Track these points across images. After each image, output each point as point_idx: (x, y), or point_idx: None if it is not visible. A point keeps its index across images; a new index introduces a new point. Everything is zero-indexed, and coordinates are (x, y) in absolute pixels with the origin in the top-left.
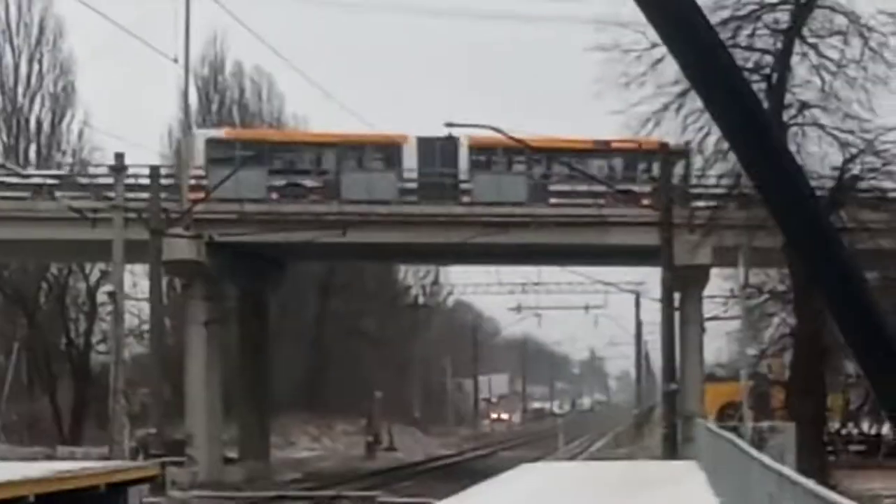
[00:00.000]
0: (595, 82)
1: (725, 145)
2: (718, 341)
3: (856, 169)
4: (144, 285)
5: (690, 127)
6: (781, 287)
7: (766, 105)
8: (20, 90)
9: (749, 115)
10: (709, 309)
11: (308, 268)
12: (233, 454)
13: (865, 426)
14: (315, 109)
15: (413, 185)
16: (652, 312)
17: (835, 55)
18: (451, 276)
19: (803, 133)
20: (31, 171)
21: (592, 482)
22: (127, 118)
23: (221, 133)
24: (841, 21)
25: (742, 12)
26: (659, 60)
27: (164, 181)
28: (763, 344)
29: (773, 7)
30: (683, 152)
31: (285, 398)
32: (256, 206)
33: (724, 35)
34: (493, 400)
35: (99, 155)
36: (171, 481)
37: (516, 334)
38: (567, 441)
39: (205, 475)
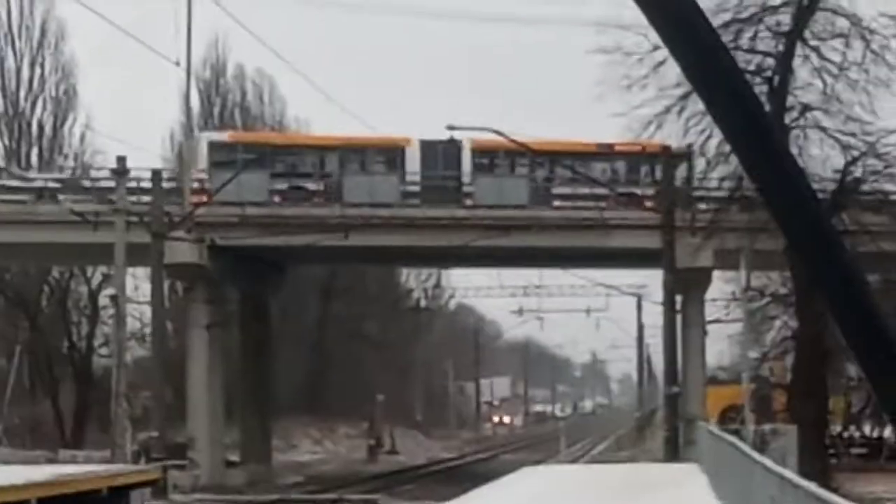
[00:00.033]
0: (597, 85)
1: (727, 148)
2: (720, 344)
3: (857, 171)
4: (146, 289)
5: (692, 130)
6: (783, 290)
7: (767, 108)
8: (22, 93)
9: (751, 117)
10: (710, 312)
11: (309, 271)
12: (234, 457)
13: (867, 429)
14: (316, 112)
15: (416, 188)
16: (654, 315)
17: (836, 58)
18: (452, 279)
19: (805, 136)
20: (33, 174)
21: (594, 485)
22: (128, 121)
23: (225, 136)
24: (843, 24)
25: (744, 15)
26: (661, 63)
27: (165, 184)
28: (765, 347)
29: (774, 10)
30: (686, 155)
31: (287, 401)
32: (258, 210)
33: (726, 37)
34: (495, 403)
35: (101, 158)
36: (172, 485)
37: (518, 337)
38: (569, 444)
39: (206, 478)
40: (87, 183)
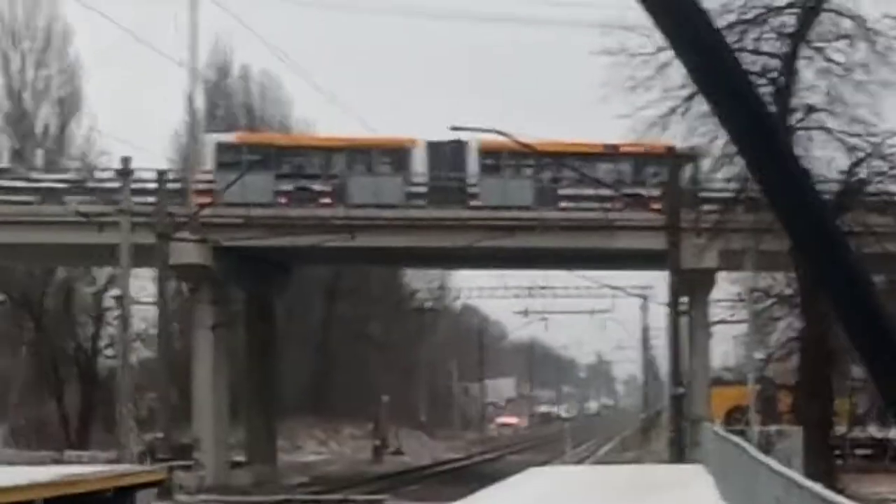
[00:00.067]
0: (601, 86)
1: (732, 149)
2: (725, 345)
3: (862, 173)
4: (151, 289)
5: (697, 131)
6: (788, 291)
7: (772, 109)
8: (27, 94)
9: (755, 118)
10: (715, 313)
11: (314, 272)
12: (240, 458)
13: (872, 430)
14: (319, 113)
15: (421, 189)
16: (659, 316)
17: (841, 59)
18: (457, 279)
19: (810, 137)
20: (38, 175)
21: (600, 486)
22: (132, 122)
23: (232, 137)
24: (847, 25)
25: (748, 16)
26: (665, 64)
27: (170, 185)
28: (770, 348)
29: (779, 11)
30: (692, 156)
31: (292, 402)
32: (263, 211)
33: (731, 39)
34: (500, 404)
35: (106, 159)
36: (178, 485)
37: (523, 338)
38: (574, 445)
39: (212, 479)
40: (91, 184)
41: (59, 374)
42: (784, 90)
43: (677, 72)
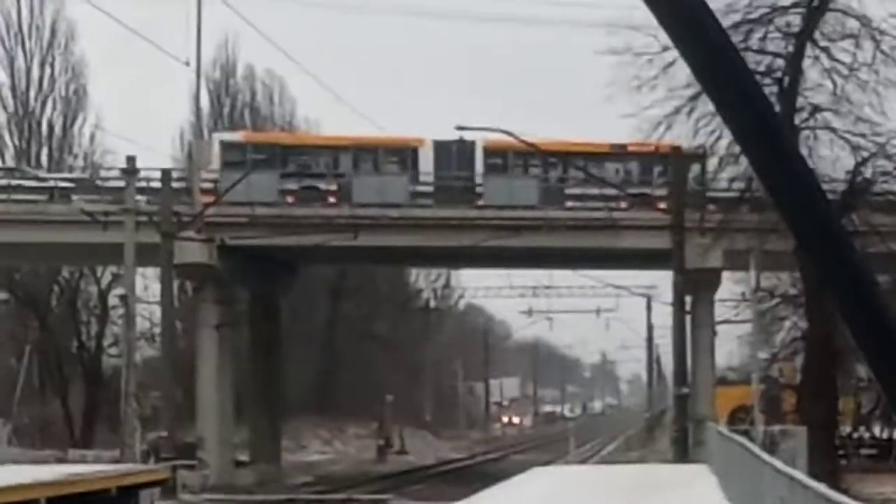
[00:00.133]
0: (606, 85)
1: (737, 149)
2: (730, 345)
3: (867, 172)
4: (156, 289)
5: (702, 130)
6: (793, 291)
7: (777, 108)
8: (32, 93)
9: (761, 118)
10: (720, 312)
11: (319, 271)
12: (244, 457)
13: (877, 430)
14: (323, 112)
15: (428, 189)
16: (663, 316)
17: (846, 59)
18: (462, 279)
19: (815, 136)
20: (43, 174)
21: (604, 486)
22: (137, 121)
23: (238, 136)
24: (853, 24)
25: (754, 16)
26: (670, 64)
27: (175, 184)
28: (774, 347)
29: (784, 10)
30: (699, 155)
31: (296, 401)
32: (268, 210)
33: (736, 38)
34: (505, 403)
35: (111, 158)
36: (182, 485)
37: (527, 338)
38: (578, 445)
39: (216, 478)
40: (97, 183)
41: (64, 372)
42: (789, 90)
43: (682, 71)
